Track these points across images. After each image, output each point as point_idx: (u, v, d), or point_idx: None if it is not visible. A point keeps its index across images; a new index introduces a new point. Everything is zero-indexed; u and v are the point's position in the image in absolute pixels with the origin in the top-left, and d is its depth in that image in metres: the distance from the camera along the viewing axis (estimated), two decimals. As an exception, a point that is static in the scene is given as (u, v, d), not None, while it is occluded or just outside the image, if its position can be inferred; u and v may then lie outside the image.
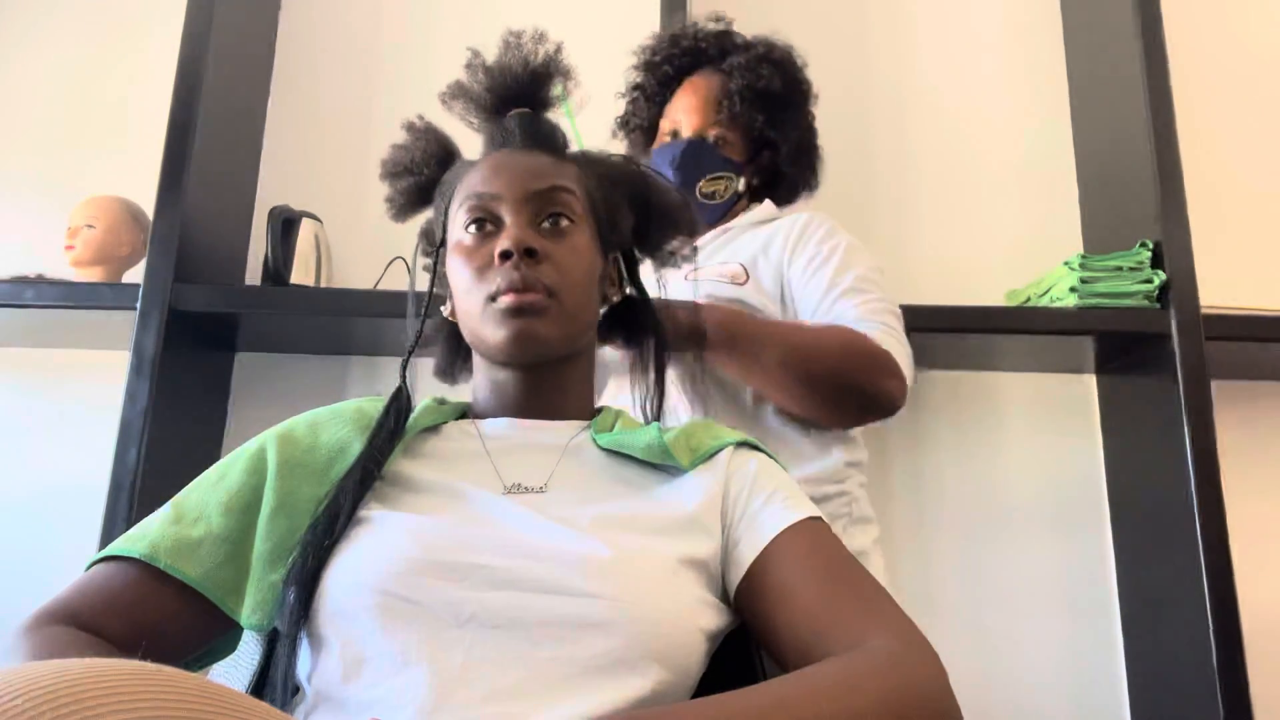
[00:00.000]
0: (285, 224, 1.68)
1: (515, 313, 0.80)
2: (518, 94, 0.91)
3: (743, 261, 1.32)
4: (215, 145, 1.69)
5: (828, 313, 1.24)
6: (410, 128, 0.96)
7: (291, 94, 1.96)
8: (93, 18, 2.00)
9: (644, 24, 1.70)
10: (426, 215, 0.97)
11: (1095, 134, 1.87)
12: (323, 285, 1.72)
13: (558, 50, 0.92)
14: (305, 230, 1.69)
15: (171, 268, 1.54)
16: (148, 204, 1.62)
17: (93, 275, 1.70)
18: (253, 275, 1.82)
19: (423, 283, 0.94)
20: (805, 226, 1.33)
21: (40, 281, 1.61)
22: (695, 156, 1.37)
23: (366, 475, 0.75)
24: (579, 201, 0.87)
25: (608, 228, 0.91)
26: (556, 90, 0.93)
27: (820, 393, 1.18)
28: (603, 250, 0.90)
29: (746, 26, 1.49)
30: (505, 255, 0.81)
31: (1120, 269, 1.62)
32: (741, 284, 1.28)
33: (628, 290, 0.96)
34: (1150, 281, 1.60)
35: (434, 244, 0.93)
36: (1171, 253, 1.59)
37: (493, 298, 0.81)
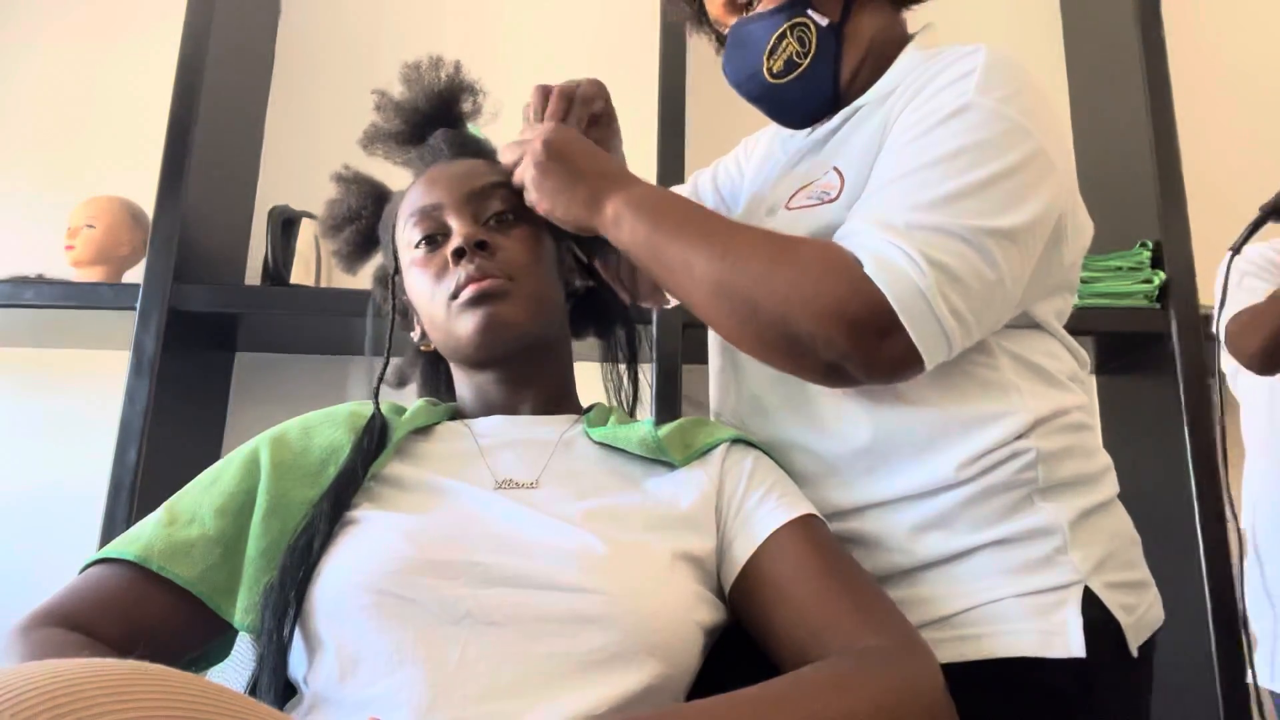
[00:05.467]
0: (285, 224, 1.67)
1: (478, 300, 0.81)
2: (431, 119, 0.94)
3: (844, 163, 0.86)
4: (215, 145, 1.69)
5: (849, 221, 0.78)
6: (339, 178, 0.98)
7: (291, 94, 1.96)
8: (93, 17, 1.99)
9: (644, 23, 1.70)
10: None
11: (1095, 134, 1.87)
12: (323, 285, 1.72)
13: (457, 69, 0.95)
14: (305, 230, 1.69)
15: (171, 268, 1.54)
16: (148, 204, 1.62)
17: (93, 275, 1.70)
18: (253, 275, 1.82)
19: (383, 330, 0.94)
20: (954, 65, 0.80)
21: (40, 281, 1.61)
22: (738, 45, 0.93)
23: (339, 500, 0.74)
24: (518, 195, 0.88)
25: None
26: (467, 106, 0.95)
27: (749, 333, 0.77)
28: (554, 238, 0.91)
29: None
30: (458, 253, 0.82)
31: (1120, 269, 1.62)
32: (832, 200, 0.85)
33: (590, 283, 0.96)
34: (1150, 281, 1.59)
35: (389, 280, 0.93)
36: (1171, 253, 1.59)
37: (454, 295, 0.82)
